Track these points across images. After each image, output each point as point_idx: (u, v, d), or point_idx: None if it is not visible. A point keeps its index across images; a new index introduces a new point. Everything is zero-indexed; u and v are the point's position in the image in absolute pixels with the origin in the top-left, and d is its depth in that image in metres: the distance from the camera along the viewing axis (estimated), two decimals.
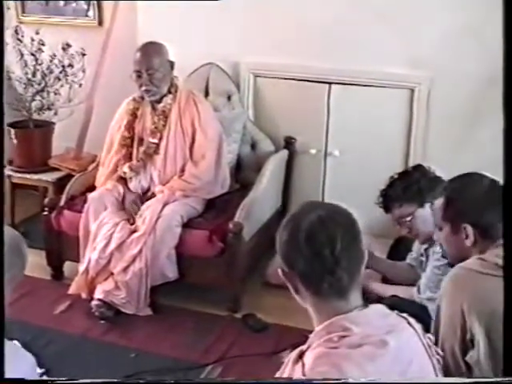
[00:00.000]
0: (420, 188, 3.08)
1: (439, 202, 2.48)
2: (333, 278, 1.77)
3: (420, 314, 2.34)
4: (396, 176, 3.24)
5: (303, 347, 1.82)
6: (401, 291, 3.19)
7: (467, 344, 2.26)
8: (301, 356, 1.79)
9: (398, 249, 3.63)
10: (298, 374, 1.73)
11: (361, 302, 1.83)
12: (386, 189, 3.20)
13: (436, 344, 2.31)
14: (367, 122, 4.31)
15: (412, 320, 1.92)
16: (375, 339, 1.76)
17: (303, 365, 1.74)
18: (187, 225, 3.80)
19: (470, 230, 2.38)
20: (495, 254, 2.31)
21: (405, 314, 1.92)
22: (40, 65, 4.70)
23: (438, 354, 1.95)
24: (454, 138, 4.19)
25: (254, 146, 4.52)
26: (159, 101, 3.96)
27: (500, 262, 2.29)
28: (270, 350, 3.39)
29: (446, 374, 2.31)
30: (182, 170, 3.95)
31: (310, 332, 1.86)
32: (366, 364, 1.72)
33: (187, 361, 3.32)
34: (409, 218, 3.08)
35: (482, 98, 4.09)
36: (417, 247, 3.31)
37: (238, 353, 3.40)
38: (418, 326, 1.93)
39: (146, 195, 3.98)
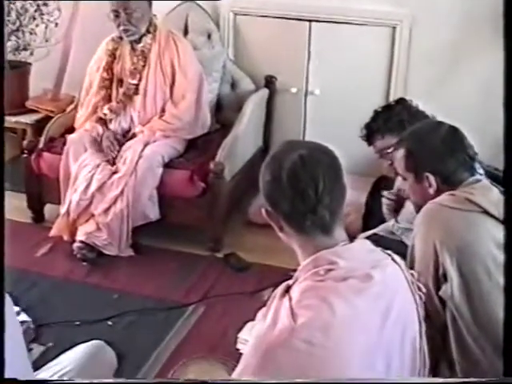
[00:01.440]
0: (401, 120, 3.11)
1: (400, 153, 2.52)
2: (315, 216, 1.78)
3: (401, 251, 2.38)
4: (379, 109, 3.27)
5: (289, 282, 1.84)
6: (380, 229, 3.23)
7: (440, 279, 2.30)
8: (287, 290, 1.80)
9: (380, 188, 3.65)
10: (285, 308, 1.74)
11: (345, 238, 1.85)
12: (368, 122, 3.23)
13: None
14: (348, 60, 4.29)
15: (396, 257, 1.95)
16: (360, 273, 1.78)
17: (290, 298, 1.76)
18: (168, 165, 3.79)
19: (432, 178, 2.44)
20: (465, 191, 2.37)
21: (389, 251, 1.95)
22: (14, 3, 4.59)
23: (420, 290, 1.99)
24: (434, 76, 4.19)
25: (234, 85, 4.48)
26: (138, 41, 3.90)
27: (470, 196, 2.33)
28: (252, 288, 3.42)
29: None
30: (163, 111, 3.92)
31: (293, 271, 1.88)
32: (352, 297, 1.75)
33: (170, 301, 3.35)
34: (390, 150, 3.10)
35: (463, 35, 4.07)
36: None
37: (221, 292, 3.42)
38: (402, 263, 1.96)
39: (126, 136, 3.95)
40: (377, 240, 2.87)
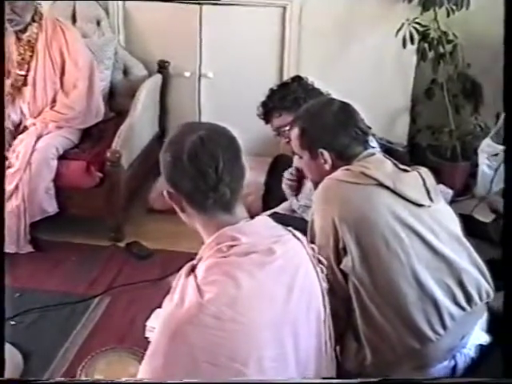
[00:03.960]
0: (297, 97, 3.14)
1: (295, 131, 2.56)
2: (216, 194, 1.82)
3: (302, 228, 2.41)
4: (275, 87, 3.29)
5: (194, 261, 1.86)
6: (281, 207, 3.27)
7: (340, 252, 2.35)
8: (193, 269, 1.83)
9: (278, 166, 3.68)
10: (191, 286, 1.76)
11: (246, 215, 1.90)
12: (265, 100, 3.24)
13: None
14: (240, 42, 4.29)
15: (297, 232, 2.00)
16: (263, 248, 1.83)
17: (196, 277, 1.78)
18: (63, 156, 3.72)
19: (326, 154, 2.49)
20: (360, 165, 2.42)
21: (289, 227, 1.99)
22: None
23: (321, 263, 2.04)
24: (326, 54, 4.24)
25: (126, 71, 4.43)
26: (24, 30, 3.79)
27: (365, 170, 2.39)
28: (157, 275, 3.41)
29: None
30: (54, 101, 3.84)
31: (196, 255, 1.88)
32: (256, 271, 1.79)
33: (74, 295, 3.29)
34: (287, 128, 3.13)
35: (353, 11, 4.14)
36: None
37: (125, 281, 3.40)
38: (303, 238, 2.02)
39: (17, 130, 3.84)
40: (278, 218, 2.90)
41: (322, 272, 2.04)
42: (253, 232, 1.86)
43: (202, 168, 1.80)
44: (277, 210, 3.27)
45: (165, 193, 1.90)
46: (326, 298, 2.03)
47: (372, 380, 1.85)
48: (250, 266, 1.79)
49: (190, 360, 1.72)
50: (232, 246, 1.81)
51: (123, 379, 1.81)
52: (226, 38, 4.30)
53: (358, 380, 1.82)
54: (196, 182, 1.81)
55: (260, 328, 1.78)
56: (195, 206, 1.86)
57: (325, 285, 2.04)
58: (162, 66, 4.41)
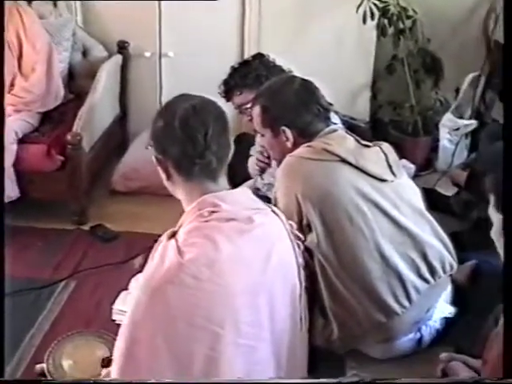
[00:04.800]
0: (259, 75, 3.14)
1: (256, 110, 2.56)
2: (203, 161, 1.89)
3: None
4: (236, 65, 3.29)
5: (174, 228, 1.91)
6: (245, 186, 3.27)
7: (305, 229, 2.37)
8: (174, 234, 1.87)
9: (240, 145, 3.67)
10: (172, 247, 1.81)
11: (228, 187, 1.98)
12: (226, 78, 3.24)
13: None
14: (200, 20, 4.25)
15: (275, 208, 2.08)
16: (243, 216, 1.89)
17: (176, 240, 1.83)
18: (23, 140, 3.66)
19: (288, 132, 2.50)
20: (322, 141, 2.43)
21: (269, 204, 2.08)
22: None
23: (299, 238, 2.09)
24: (287, 32, 4.23)
25: (85, 53, 4.37)
26: None
27: (327, 146, 2.41)
28: (123, 258, 3.39)
29: None
30: (12, 85, 3.77)
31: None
32: (235, 237, 1.85)
33: (40, 279, 3.26)
34: (249, 105, 3.12)
35: None
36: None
37: (91, 265, 3.37)
38: (282, 214, 2.08)
39: None
40: None
41: (299, 248, 2.08)
42: (234, 201, 1.93)
43: (192, 134, 1.88)
44: None
45: (153, 158, 1.96)
46: (302, 274, 2.07)
47: (369, 380, 1.87)
48: (230, 232, 1.85)
49: (168, 318, 1.77)
50: (213, 212, 1.87)
51: (124, 380, 1.81)
52: (185, 16, 4.26)
53: (355, 379, 1.83)
54: (185, 148, 1.88)
55: (236, 292, 1.82)
56: (182, 171, 1.93)
57: (301, 260, 2.08)
58: (122, 47, 4.36)
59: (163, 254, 1.81)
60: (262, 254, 1.91)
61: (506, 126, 1.86)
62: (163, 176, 1.99)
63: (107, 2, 4.30)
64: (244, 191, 2.04)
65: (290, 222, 2.11)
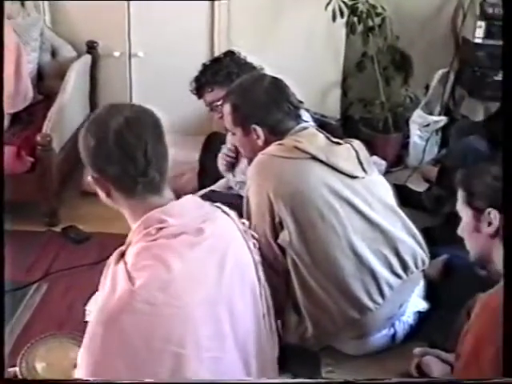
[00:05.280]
0: (230, 72, 3.13)
1: (227, 108, 2.56)
2: (146, 178, 1.79)
3: (235, 202, 2.43)
4: (207, 62, 3.28)
5: (122, 247, 1.84)
6: (217, 185, 3.27)
7: (277, 227, 2.37)
8: (122, 255, 1.81)
9: (211, 144, 3.67)
10: (121, 273, 1.74)
11: (173, 196, 1.88)
12: (197, 75, 3.23)
13: None
14: (170, 20, 4.24)
15: (226, 208, 1.99)
16: (192, 228, 1.82)
17: (125, 263, 1.76)
18: None
19: (259, 130, 2.50)
20: (292, 139, 2.44)
21: (218, 204, 1.99)
22: None
23: (253, 237, 2.04)
24: (256, 29, 4.23)
25: (54, 53, 4.33)
26: None
27: (298, 144, 2.41)
28: (95, 259, 3.36)
29: (262, 257, 2.43)
30: None
31: None
32: (185, 252, 1.78)
33: (12, 282, 3.22)
34: (220, 103, 3.12)
35: None
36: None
37: (63, 267, 3.34)
38: (233, 213, 2.01)
39: None
40: (215, 196, 2.91)
41: (254, 246, 2.04)
42: (181, 213, 1.84)
43: (131, 152, 1.76)
44: (213, 187, 3.27)
45: (89, 178, 1.86)
46: (260, 272, 2.03)
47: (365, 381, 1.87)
48: (180, 248, 1.78)
49: (127, 347, 1.71)
50: (160, 229, 1.78)
51: (125, 380, 1.77)
52: (155, 16, 4.24)
53: (349, 379, 1.83)
54: (124, 167, 1.77)
55: (194, 308, 1.77)
56: (123, 191, 1.83)
57: (258, 258, 2.04)
58: (91, 47, 4.33)
59: (113, 282, 1.74)
60: (215, 263, 1.85)
61: (506, 127, 1.86)
62: (101, 194, 1.88)
63: (76, 2, 4.27)
64: (190, 199, 1.94)
65: (243, 220, 2.06)
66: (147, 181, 1.79)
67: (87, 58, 4.31)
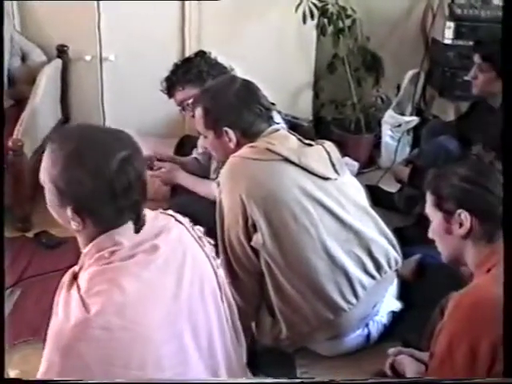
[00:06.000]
0: (200, 71, 3.14)
1: (198, 112, 2.56)
2: (133, 213, 1.75)
3: (213, 207, 2.43)
4: (179, 62, 3.29)
5: (75, 268, 1.81)
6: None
7: (250, 229, 2.38)
8: (75, 277, 1.77)
9: (184, 148, 3.67)
10: (74, 299, 1.69)
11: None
12: (168, 74, 3.24)
13: (222, 234, 2.41)
14: (140, 23, 4.23)
15: (179, 216, 1.96)
16: (146, 246, 1.77)
17: (79, 288, 1.71)
18: None
19: (230, 132, 2.50)
20: (264, 141, 2.44)
21: (170, 211, 1.95)
22: None
23: (209, 243, 2.01)
24: (227, 31, 4.24)
25: (24, 57, 4.29)
26: None
27: (270, 146, 2.42)
28: (68, 264, 3.30)
29: (236, 262, 2.43)
30: None
31: None
32: (141, 272, 1.73)
33: None
34: (191, 101, 3.13)
35: None
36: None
37: (36, 272, 3.32)
38: (186, 221, 1.97)
39: None
40: (189, 201, 2.91)
41: (212, 252, 2.01)
42: (133, 233, 1.77)
43: (132, 197, 1.72)
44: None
45: (69, 208, 1.75)
46: (220, 277, 2.01)
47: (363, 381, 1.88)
48: (135, 269, 1.73)
49: (86, 374, 1.66)
50: (114, 252, 1.74)
51: (133, 380, 1.74)
52: (125, 19, 4.23)
53: (347, 379, 1.83)
54: (119, 209, 1.72)
55: (154, 330, 1.73)
56: (102, 223, 1.75)
57: (216, 263, 2.01)
58: (61, 51, 4.30)
59: (67, 310, 1.69)
60: (172, 277, 1.81)
61: (505, 128, 1.87)
62: (68, 223, 1.80)
63: (45, 5, 4.24)
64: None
65: (198, 227, 2.01)
66: (131, 213, 1.75)
67: (58, 62, 4.28)
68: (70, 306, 1.69)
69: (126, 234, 1.76)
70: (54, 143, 1.83)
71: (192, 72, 3.16)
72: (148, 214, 1.84)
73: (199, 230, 2.00)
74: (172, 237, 1.86)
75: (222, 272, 2.04)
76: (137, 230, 1.76)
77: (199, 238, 1.97)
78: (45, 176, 1.83)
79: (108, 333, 1.66)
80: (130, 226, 1.77)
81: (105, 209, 1.72)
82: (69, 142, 1.78)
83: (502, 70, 1.84)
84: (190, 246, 1.92)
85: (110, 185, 1.68)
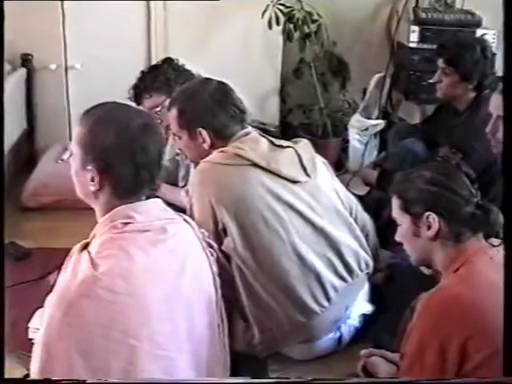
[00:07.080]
0: (168, 78, 3.14)
1: (173, 113, 2.56)
2: (153, 186, 1.94)
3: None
4: (146, 70, 3.30)
5: (87, 240, 1.87)
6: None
7: (221, 234, 2.38)
8: (86, 247, 1.83)
9: None
10: (84, 260, 1.76)
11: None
12: (136, 82, 3.23)
13: None
14: (106, 31, 4.22)
15: (187, 217, 2.07)
16: (156, 226, 1.87)
17: (89, 252, 1.79)
18: None
19: (204, 133, 2.52)
20: (235, 146, 2.46)
21: (180, 213, 2.06)
22: None
23: (211, 246, 2.10)
24: (193, 37, 4.24)
25: None
26: None
27: (240, 151, 2.43)
28: (37, 275, 3.31)
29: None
30: None
31: None
32: (149, 248, 1.82)
33: None
34: (159, 109, 3.12)
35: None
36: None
37: (4, 284, 3.28)
38: (193, 222, 2.08)
39: None
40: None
41: (212, 255, 2.07)
42: (147, 211, 1.89)
43: (149, 157, 1.85)
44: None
45: (91, 167, 1.84)
46: (218, 281, 2.06)
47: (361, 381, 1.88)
48: (144, 243, 1.82)
49: (84, 333, 1.72)
50: (127, 224, 1.83)
51: (131, 380, 1.76)
52: (90, 27, 4.21)
53: (347, 380, 1.84)
54: (138, 171, 1.85)
55: (152, 303, 1.79)
56: (119, 190, 1.87)
57: (215, 268, 2.07)
58: (26, 60, 4.27)
59: (75, 268, 1.76)
60: (176, 265, 1.89)
61: (505, 128, 1.89)
62: (89, 187, 1.87)
63: (8, 13, 4.19)
64: (157, 201, 1.98)
65: (202, 230, 2.10)
66: (153, 188, 1.92)
67: (22, 72, 4.25)
68: (79, 265, 1.76)
69: (139, 210, 1.87)
70: (86, 113, 1.97)
71: (159, 79, 3.15)
72: (160, 203, 1.97)
73: (204, 233, 2.10)
74: (180, 229, 1.96)
75: (218, 279, 2.09)
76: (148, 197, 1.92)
77: (203, 240, 2.06)
78: (74, 141, 1.93)
79: (112, 295, 1.72)
80: (144, 203, 1.90)
81: (123, 170, 1.83)
82: (98, 109, 1.96)
83: (504, 71, 1.85)
84: (195, 245, 2.01)
85: (131, 142, 1.83)
